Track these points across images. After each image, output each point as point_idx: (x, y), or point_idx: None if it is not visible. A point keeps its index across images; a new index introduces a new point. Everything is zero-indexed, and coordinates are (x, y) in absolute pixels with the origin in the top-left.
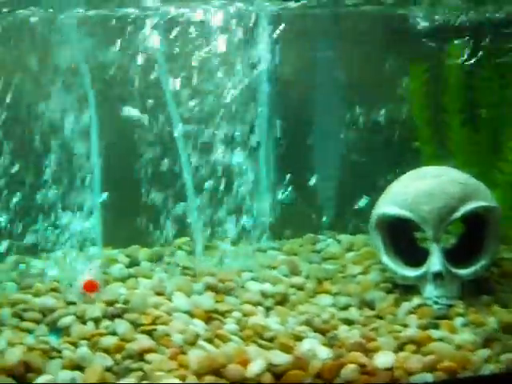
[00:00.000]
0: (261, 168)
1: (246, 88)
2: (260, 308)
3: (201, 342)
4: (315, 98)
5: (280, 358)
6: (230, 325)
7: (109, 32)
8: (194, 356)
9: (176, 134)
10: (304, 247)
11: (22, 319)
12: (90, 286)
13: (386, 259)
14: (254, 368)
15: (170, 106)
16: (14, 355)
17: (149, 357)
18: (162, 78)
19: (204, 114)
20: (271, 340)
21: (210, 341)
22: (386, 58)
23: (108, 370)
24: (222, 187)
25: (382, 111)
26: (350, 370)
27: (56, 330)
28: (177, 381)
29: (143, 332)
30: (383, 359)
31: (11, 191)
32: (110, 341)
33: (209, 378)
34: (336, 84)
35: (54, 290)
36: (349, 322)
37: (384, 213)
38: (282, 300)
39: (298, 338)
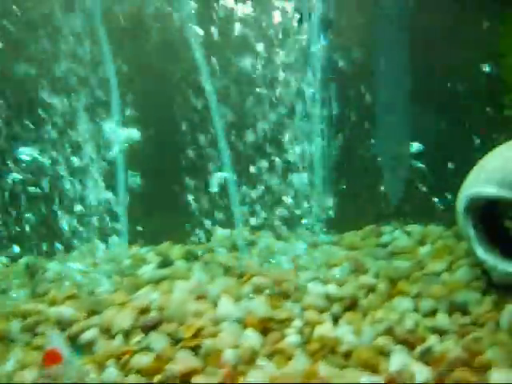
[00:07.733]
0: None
1: None
2: (326, 315)
3: (259, 361)
4: None
5: (367, 379)
6: (291, 336)
7: None
8: (253, 379)
9: None
10: (366, 240)
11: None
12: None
13: (481, 252)
14: None
15: None
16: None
17: (195, 379)
18: None
19: None
20: (346, 355)
21: (269, 357)
22: None
23: None
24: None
25: None
26: None
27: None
28: None
29: (185, 348)
30: (498, 377)
31: None
32: (143, 360)
33: None
34: None
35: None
36: (440, 332)
37: (478, 193)
38: (352, 305)
39: (382, 353)
